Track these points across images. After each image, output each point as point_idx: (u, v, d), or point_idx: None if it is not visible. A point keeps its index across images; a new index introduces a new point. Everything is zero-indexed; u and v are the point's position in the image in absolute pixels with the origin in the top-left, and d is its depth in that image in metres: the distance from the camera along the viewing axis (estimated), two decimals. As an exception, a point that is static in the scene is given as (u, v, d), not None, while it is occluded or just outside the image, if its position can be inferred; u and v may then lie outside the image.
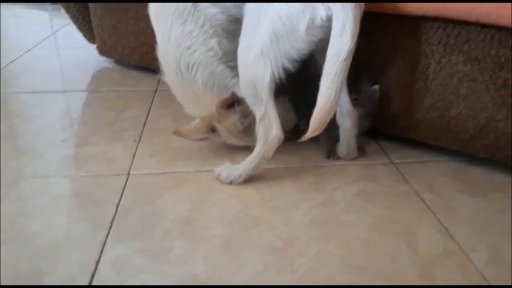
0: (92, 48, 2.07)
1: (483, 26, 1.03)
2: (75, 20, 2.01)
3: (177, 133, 1.20)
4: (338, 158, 1.25)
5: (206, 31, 1.13)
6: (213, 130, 1.22)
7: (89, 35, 2.03)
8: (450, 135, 1.19)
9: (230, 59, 1.15)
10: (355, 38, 0.94)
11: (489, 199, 1.08)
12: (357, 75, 1.22)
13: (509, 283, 0.84)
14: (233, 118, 1.17)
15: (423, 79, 1.17)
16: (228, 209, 1.05)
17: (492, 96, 1.07)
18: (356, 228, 0.99)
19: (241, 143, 1.23)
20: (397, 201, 1.08)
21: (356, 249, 0.93)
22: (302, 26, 0.97)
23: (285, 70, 1.02)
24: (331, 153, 1.26)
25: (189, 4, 1.12)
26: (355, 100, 1.19)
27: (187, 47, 1.13)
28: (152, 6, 1.18)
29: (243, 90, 1.09)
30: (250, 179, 1.15)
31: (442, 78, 1.13)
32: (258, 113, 1.07)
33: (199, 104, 1.18)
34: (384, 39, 1.21)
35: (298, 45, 1.00)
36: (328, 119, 0.98)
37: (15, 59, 2.16)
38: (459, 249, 0.92)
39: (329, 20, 0.96)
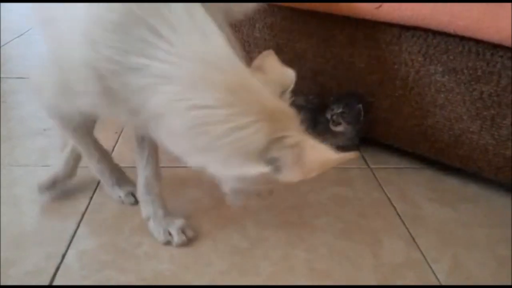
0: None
1: (462, 38, 1.03)
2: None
3: None
4: None
5: None
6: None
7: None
8: (427, 144, 1.20)
9: None
10: None
11: (459, 210, 1.09)
12: (348, 91, 1.26)
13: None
14: None
15: (403, 87, 1.17)
16: (200, 207, 1.06)
17: (467, 108, 1.08)
18: (325, 232, 1.00)
19: None
20: (369, 207, 1.09)
21: (322, 254, 0.94)
22: None
23: None
24: None
25: None
26: (343, 114, 1.24)
27: None
28: None
29: None
30: (225, 178, 1.16)
31: (420, 87, 1.14)
32: None
33: None
34: (367, 45, 1.21)
35: None
36: None
37: (6, 43, 2.15)
38: (423, 259, 0.94)
39: None
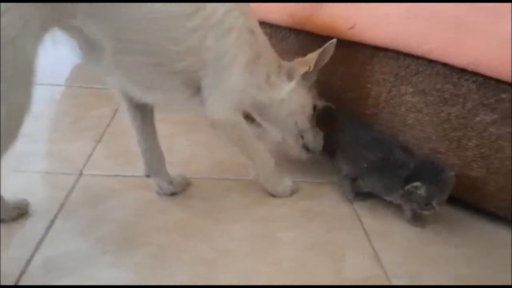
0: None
1: (430, 61, 1.06)
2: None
3: None
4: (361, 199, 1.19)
5: None
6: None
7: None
8: (397, 162, 1.22)
9: None
10: None
11: (425, 228, 1.11)
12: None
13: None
14: None
15: (375, 106, 1.20)
16: (170, 218, 1.07)
17: (435, 129, 1.11)
18: (290, 246, 1.02)
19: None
20: (337, 222, 1.11)
21: (284, 268, 0.95)
22: None
23: None
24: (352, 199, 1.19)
25: None
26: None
27: None
28: None
29: None
30: (198, 190, 1.18)
31: (391, 106, 1.17)
32: None
33: None
34: (343, 63, 1.24)
35: None
36: None
37: None
38: (383, 275, 0.95)
39: None
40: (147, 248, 0.97)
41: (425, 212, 1.06)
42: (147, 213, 1.08)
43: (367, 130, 1.18)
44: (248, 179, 1.22)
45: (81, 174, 1.20)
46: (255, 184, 1.22)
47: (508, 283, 0.95)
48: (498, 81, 0.98)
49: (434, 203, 1.03)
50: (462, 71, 1.03)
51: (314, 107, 1.21)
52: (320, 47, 1.19)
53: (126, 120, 1.13)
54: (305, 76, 1.16)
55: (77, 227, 1.01)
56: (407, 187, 1.04)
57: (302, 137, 1.22)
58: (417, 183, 1.03)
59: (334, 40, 1.10)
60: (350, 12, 1.18)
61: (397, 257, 1.01)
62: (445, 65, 1.05)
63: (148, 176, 1.15)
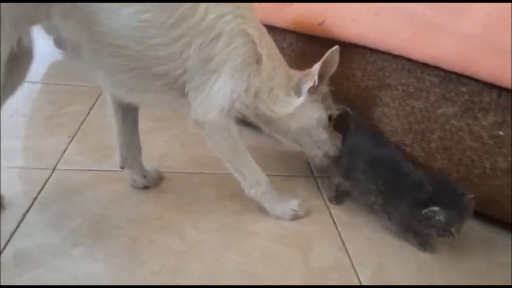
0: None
1: (395, 56, 1.10)
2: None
3: None
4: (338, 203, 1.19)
5: None
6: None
7: (47, 27, 2.04)
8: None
9: None
10: None
11: (392, 218, 1.14)
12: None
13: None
14: None
15: (345, 101, 1.23)
16: (143, 211, 1.09)
17: (401, 122, 1.14)
18: (261, 237, 1.05)
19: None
20: (308, 213, 1.14)
21: (254, 258, 0.98)
22: None
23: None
24: (332, 199, 1.19)
25: None
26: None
27: None
28: None
29: None
30: (172, 184, 1.20)
31: (360, 101, 1.20)
32: None
33: None
34: (315, 60, 1.25)
35: None
36: None
37: None
38: (350, 263, 0.99)
39: None
40: (119, 240, 0.98)
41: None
42: (120, 206, 1.10)
43: (373, 142, 1.13)
44: (222, 173, 1.24)
45: (55, 169, 1.21)
46: (228, 178, 1.24)
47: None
48: (458, 75, 1.02)
49: (453, 230, 0.96)
50: (425, 66, 1.06)
51: (330, 117, 1.15)
52: (293, 44, 1.22)
53: (108, 112, 1.14)
54: (312, 91, 1.11)
55: (49, 220, 1.02)
56: (424, 211, 0.97)
57: (319, 146, 1.16)
58: (435, 208, 0.96)
59: (336, 47, 1.06)
60: (320, 8, 1.21)
61: (364, 247, 1.05)
62: (409, 60, 1.08)
63: (122, 168, 1.16)
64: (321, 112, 1.13)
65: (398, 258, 1.01)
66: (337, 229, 1.10)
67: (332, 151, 1.16)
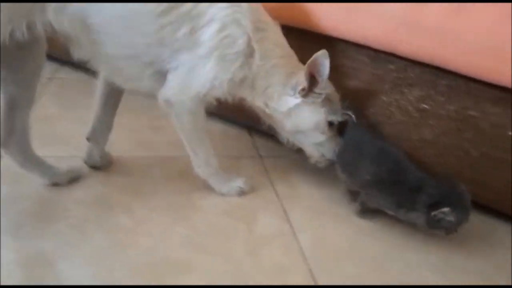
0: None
1: (330, 38, 1.17)
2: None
3: None
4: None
5: None
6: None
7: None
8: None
9: None
10: None
11: (334, 190, 1.21)
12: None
13: (326, 261, 0.98)
14: None
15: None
16: (92, 192, 1.11)
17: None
18: (208, 212, 1.09)
19: None
20: (252, 190, 1.19)
21: (201, 231, 1.03)
22: None
23: None
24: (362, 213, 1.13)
25: None
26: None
27: None
28: None
29: None
30: (120, 167, 1.22)
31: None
32: None
33: None
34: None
35: None
36: None
37: None
38: (291, 230, 1.05)
39: None
40: (66, 219, 1.00)
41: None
42: (68, 189, 1.11)
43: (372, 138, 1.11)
44: (169, 155, 1.28)
45: (1, 156, 1.20)
46: (176, 159, 1.28)
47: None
48: (386, 54, 1.10)
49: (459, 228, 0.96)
50: (357, 46, 1.14)
51: (331, 122, 1.12)
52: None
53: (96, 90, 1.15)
54: (306, 93, 1.08)
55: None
56: (433, 213, 0.94)
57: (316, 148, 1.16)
58: (446, 209, 0.93)
59: (322, 51, 1.02)
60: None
61: (304, 215, 1.12)
62: (342, 40, 1.15)
63: (88, 139, 1.18)
64: (319, 116, 1.11)
65: (336, 224, 1.09)
66: (280, 202, 1.16)
67: (329, 155, 1.15)
